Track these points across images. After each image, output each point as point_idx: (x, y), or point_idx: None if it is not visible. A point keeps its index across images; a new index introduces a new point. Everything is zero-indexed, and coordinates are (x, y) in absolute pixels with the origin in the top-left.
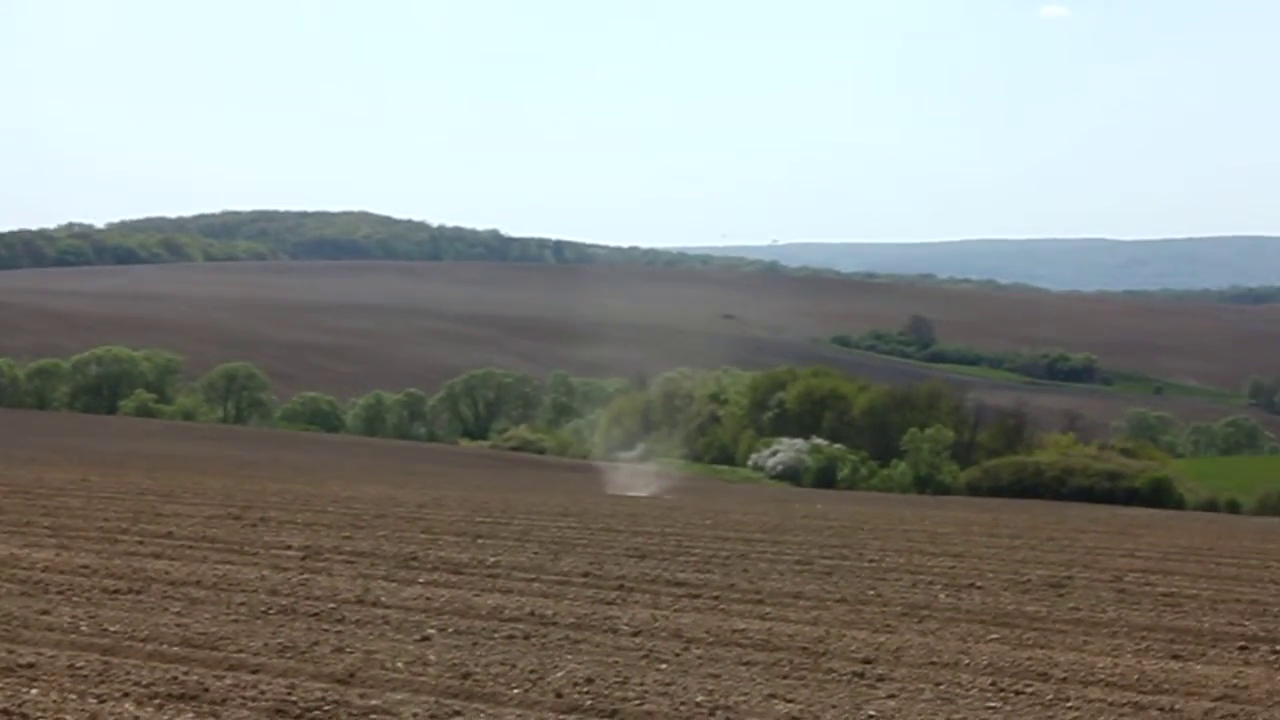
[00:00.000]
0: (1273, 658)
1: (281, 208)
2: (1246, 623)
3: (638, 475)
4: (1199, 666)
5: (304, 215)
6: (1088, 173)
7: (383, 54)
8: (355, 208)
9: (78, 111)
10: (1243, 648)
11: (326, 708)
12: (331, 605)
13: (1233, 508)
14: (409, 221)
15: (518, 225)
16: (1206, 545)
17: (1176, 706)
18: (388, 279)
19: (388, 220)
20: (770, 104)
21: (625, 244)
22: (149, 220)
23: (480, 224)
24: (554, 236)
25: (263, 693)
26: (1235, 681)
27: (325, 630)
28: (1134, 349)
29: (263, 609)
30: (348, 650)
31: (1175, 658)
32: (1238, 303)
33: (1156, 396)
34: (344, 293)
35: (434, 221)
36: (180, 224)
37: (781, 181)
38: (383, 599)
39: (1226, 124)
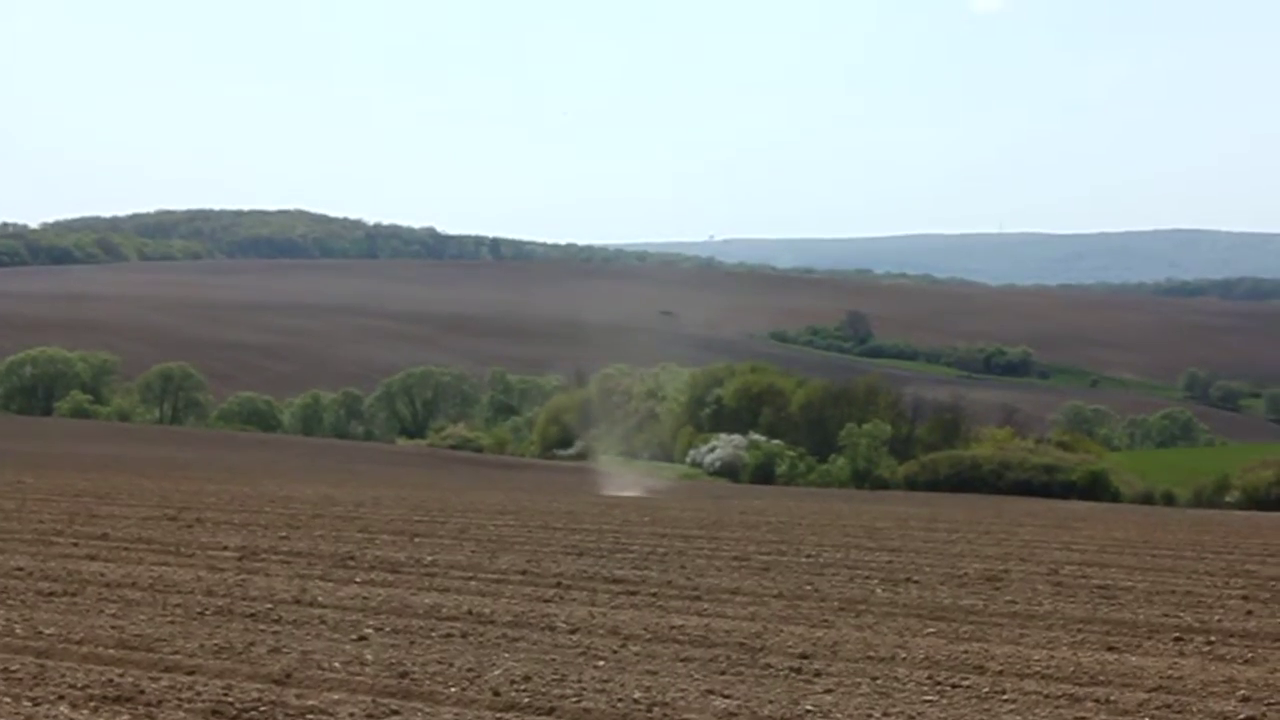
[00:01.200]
0: (1207, 649)
1: (217, 206)
2: (1181, 614)
3: (628, 477)
4: (1134, 658)
5: (239, 214)
6: (1023, 168)
7: (318, 51)
8: (291, 206)
9: (8, 110)
10: (1178, 639)
11: (263, 708)
12: (268, 606)
13: (1168, 500)
14: (345, 220)
15: (454, 223)
16: (1142, 538)
17: (1112, 698)
18: (324, 278)
19: (323, 219)
20: (706, 101)
21: (562, 240)
22: (83, 220)
23: (416, 222)
24: (490, 234)
25: (199, 694)
26: (1170, 673)
27: (262, 631)
28: (1070, 342)
29: (199, 610)
30: (284, 650)
31: (1111, 650)
32: (1173, 296)
33: (1093, 390)
34: (280, 292)
35: (370, 219)
36: (115, 223)
37: (718, 178)
38: (319, 599)
39: (1161, 120)
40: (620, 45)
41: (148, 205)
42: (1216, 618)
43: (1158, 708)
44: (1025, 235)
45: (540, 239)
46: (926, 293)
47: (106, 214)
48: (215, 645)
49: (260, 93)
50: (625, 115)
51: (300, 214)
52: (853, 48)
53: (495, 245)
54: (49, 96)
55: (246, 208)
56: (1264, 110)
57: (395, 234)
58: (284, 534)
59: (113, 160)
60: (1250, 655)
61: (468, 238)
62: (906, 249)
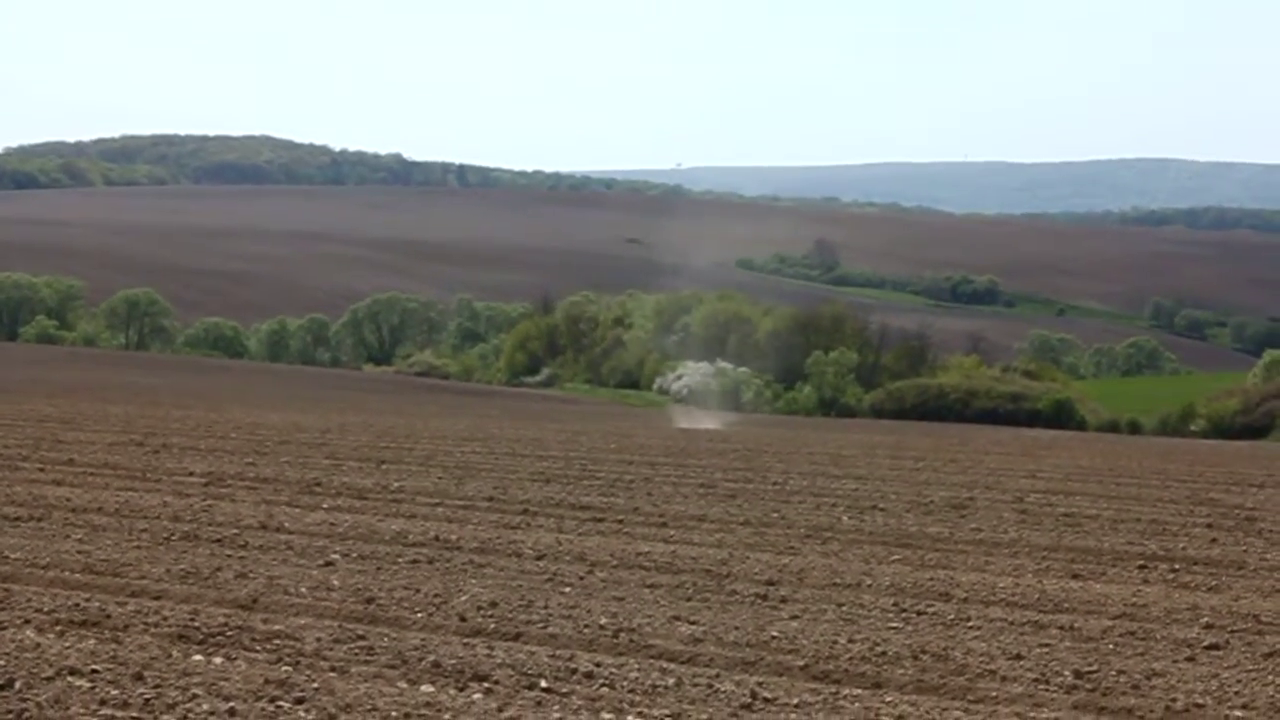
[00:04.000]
0: (1171, 576)
1: (182, 131)
2: (1146, 542)
3: (704, 412)
4: (1099, 585)
5: (205, 139)
6: (988, 96)
7: None
8: (257, 131)
9: None
10: (1142, 566)
11: (229, 633)
12: (234, 531)
13: (1134, 429)
14: (311, 145)
15: (420, 149)
16: (1107, 466)
17: (1076, 625)
18: (290, 203)
19: (289, 144)
20: (672, 28)
21: (529, 167)
22: (48, 145)
23: (383, 148)
24: (457, 160)
25: (165, 618)
26: (1134, 600)
27: (228, 556)
28: (1036, 271)
29: (165, 535)
30: (251, 576)
31: (1075, 577)
32: (1139, 224)
33: (1059, 319)
34: (246, 218)
35: (336, 145)
36: (80, 148)
37: (685, 106)
38: (286, 525)
39: (1127, 46)
40: None
41: (112, 130)
42: (1181, 545)
43: (1122, 635)
44: (991, 164)
45: (507, 166)
46: (893, 221)
47: (71, 139)
48: (181, 570)
49: (226, 18)
50: (592, 44)
51: (266, 140)
52: None
53: (462, 172)
54: (12, 21)
55: (212, 133)
56: (1230, 39)
57: (361, 160)
58: (250, 460)
59: (77, 85)
60: (1214, 583)
61: (434, 164)
62: (872, 178)
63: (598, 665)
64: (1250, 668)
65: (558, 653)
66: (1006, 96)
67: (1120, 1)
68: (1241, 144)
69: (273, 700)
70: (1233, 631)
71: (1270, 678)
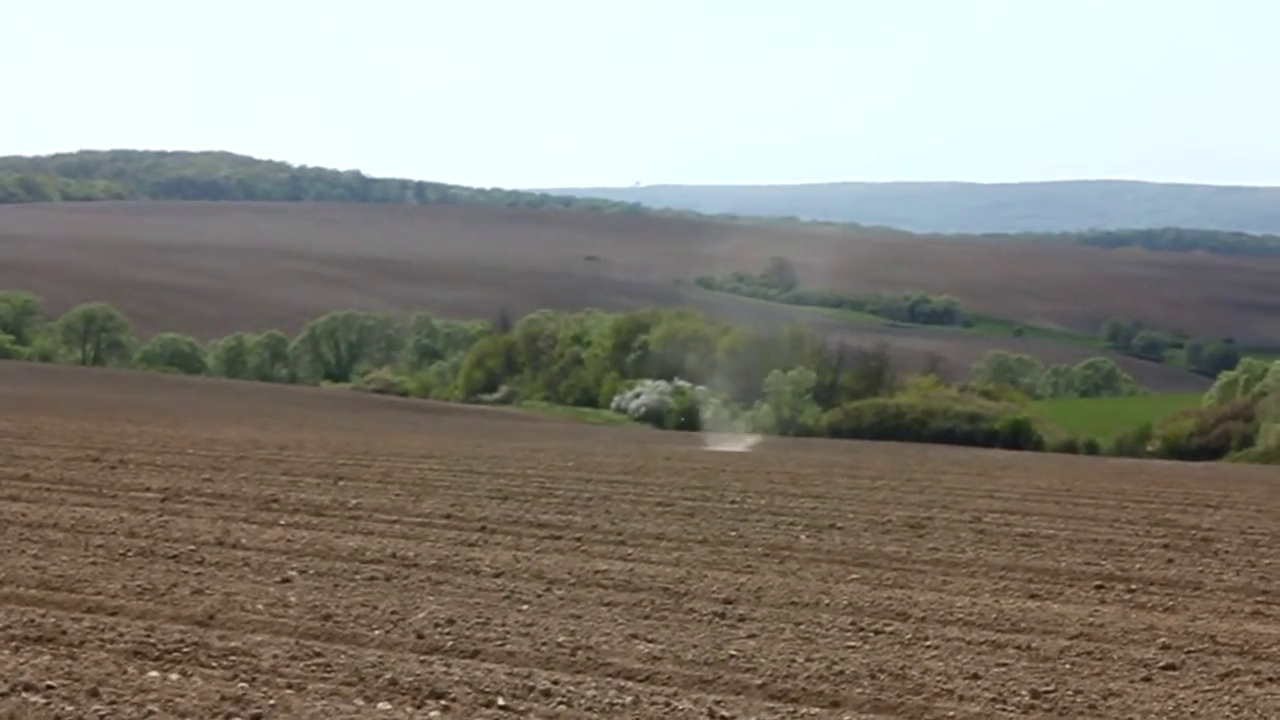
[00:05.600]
0: (1127, 596)
1: (140, 147)
2: (1102, 562)
3: (730, 435)
4: (1055, 605)
5: (163, 155)
6: (948, 117)
7: None
8: (215, 147)
9: None
10: (1098, 587)
11: (185, 649)
12: (191, 547)
13: (1091, 449)
14: (269, 162)
15: (379, 166)
16: (1064, 486)
17: (1033, 645)
18: (248, 219)
19: (248, 160)
20: (631, 45)
21: (488, 185)
22: (5, 159)
23: (342, 164)
24: (416, 177)
25: (121, 634)
26: (1091, 620)
27: (184, 572)
28: (994, 292)
29: (121, 551)
30: (207, 592)
31: (1032, 597)
32: (1097, 246)
33: (1017, 339)
34: (204, 233)
35: (295, 162)
36: (37, 163)
37: (644, 124)
38: (243, 541)
39: (1085, 69)
40: None
41: (70, 145)
42: (1137, 566)
43: (1078, 655)
44: (950, 184)
45: (465, 183)
46: (852, 240)
47: (29, 154)
48: (138, 586)
49: (184, 34)
50: (550, 61)
51: (224, 155)
52: None
53: (420, 189)
54: None
55: (170, 149)
56: (1187, 64)
57: (320, 176)
58: (207, 476)
59: (35, 100)
60: (1170, 603)
61: (393, 181)
62: (831, 197)
63: (555, 683)
64: (1206, 688)
65: (515, 670)
66: (966, 118)
67: (1078, 27)
68: (1198, 166)
69: (229, 717)
70: (1189, 652)
71: (1226, 698)
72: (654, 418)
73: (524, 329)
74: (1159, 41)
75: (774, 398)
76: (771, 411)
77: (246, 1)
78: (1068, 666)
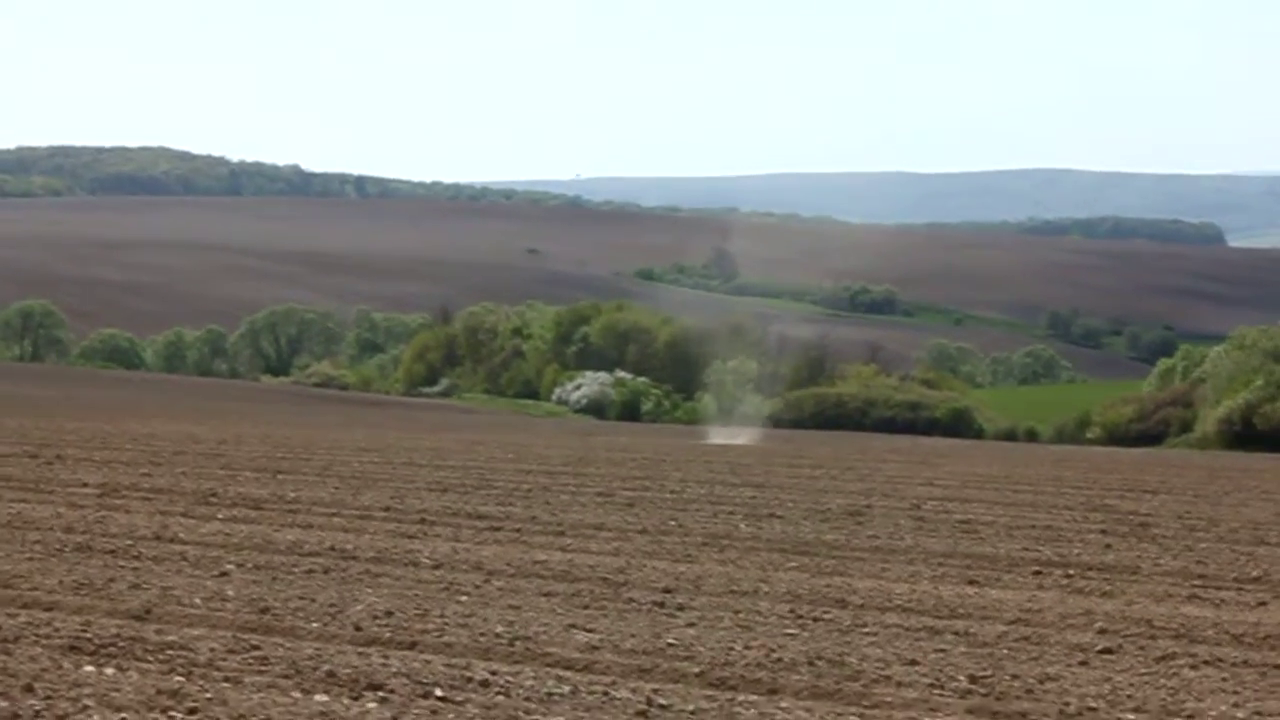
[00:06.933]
0: (1065, 582)
1: (78, 142)
2: (1041, 548)
3: (734, 429)
4: (994, 591)
5: (101, 150)
6: (887, 106)
7: None
8: (154, 143)
9: None
10: (1037, 572)
11: (122, 644)
12: (128, 542)
13: (1031, 437)
14: (208, 157)
15: (319, 160)
16: (1003, 473)
17: (971, 630)
18: (188, 215)
19: (186, 155)
20: (570, 36)
21: (428, 179)
22: None
23: (281, 159)
24: (356, 171)
25: (57, 630)
26: (1029, 605)
27: (121, 567)
28: (935, 281)
29: (58, 547)
30: (144, 586)
31: (971, 583)
32: (1036, 234)
33: (957, 328)
34: (143, 229)
35: (234, 157)
36: None
37: (584, 116)
38: (181, 535)
39: (1022, 58)
40: None
41: (7, 141)
42: (1075, 551)
43: (1016, 640)
44: (890, 174)
45: (406, 177)
46: (792, 231)
47: None
48: (74, 581)
49: (122, 28)
50: (489, 51)
51: (163, 151)
52: None
53: (360, 183)
54: None
55: (109, 144)
56: (1123, 51)
57: (259, 171)
58: (145, 471)
59: None
60: (1108, 588)
61: (333, 175)
62: (772, 187)
63: (493, 673)
64: (1143, 671)
65: (453, 661)
66: (905, 108)
67: (1015, 17)
68: (1136, 155)
69: (165, 711)
70: (1126, 636)
71: (1162, 681)
72: (595, 409)
73: (465, 322)
74: (1097, 32)
75: (715, 388)
76: (713, 401)
77: None
78: (1005, 651)
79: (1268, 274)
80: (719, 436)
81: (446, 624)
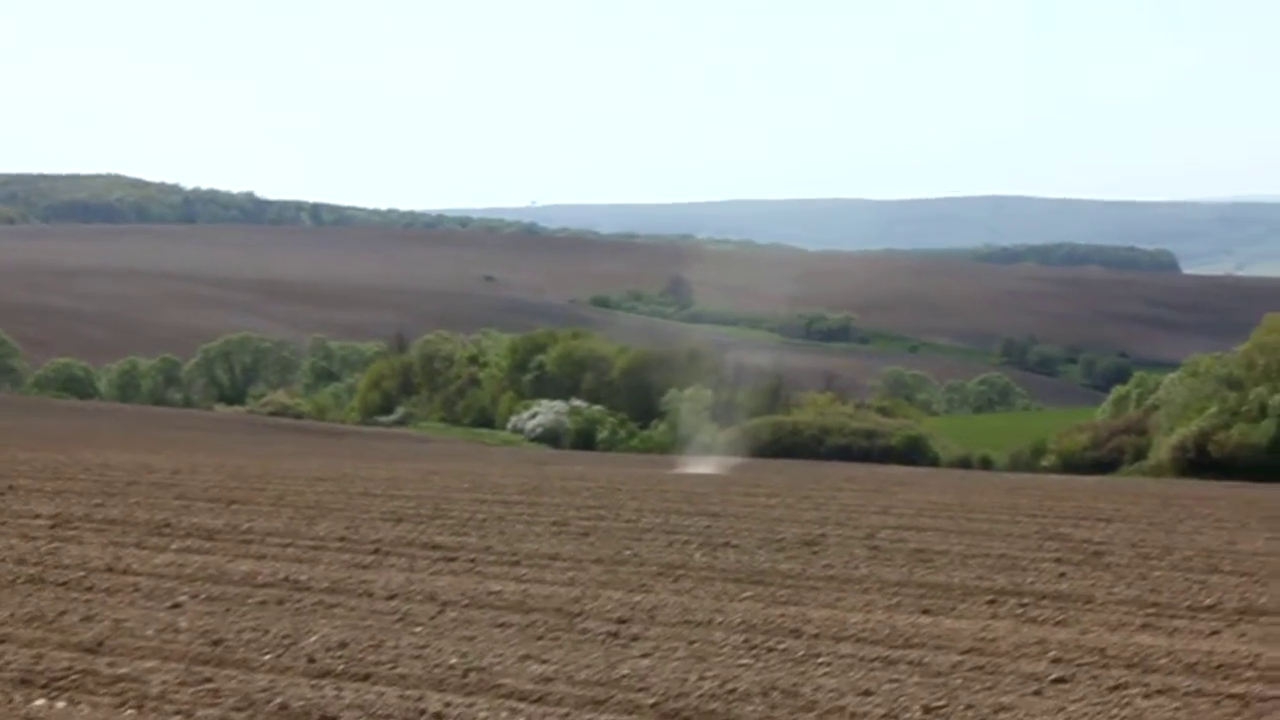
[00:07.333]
0: (1019, 611)
1: (32, 170)
2: (995, 576)
3: (704, 456)
4: (949, 620)
5: (55, 178)
6: (843, 134)
7: (134, 14)
8: (107, 170)
9: None
10: (991, 601)
11: (73, 677)
12: (81, 574)
13: (986, 464)
14: (162, 184)
15: (273, 188)
16: (959, 502)
17: (925, 660)
18: (142, 243)
19: (140, 183)
20: (524, 64)
21: (384, 206)
22: None
23: (235, 186)
24: (310, 199)
25: (8, 663)
26: (983, 634)
27: (74, 599)
28: (890, 308)
29: (10, 578)
30: (96, 619)
31: (926, 612)
32: (991, 262)
33: (912, 355)
34: (97, 257)
35: (188, 184)
36: None
37: (539, 143)
38: (134, 567)
39: (977, 86)
40: (437, 11)
41: None
42: (1030, 580)
43: (970, 669)
44: (846, 201)
45: (361, 204)
46: (748, 258)
47: None
48: (26, 614)
49: (77, 56)
50: (443, 80)
51: (116, 178)
52: (657, 11)
53: (315, 210)
54: None
55: (63, 172)
56: (1076, 78)
57: (214, 199)
58: (98, 501)
59: None
60: (1062, 617)
61: (288, 203)
62: (728, 215)
63: (447, 705)
64: (1096, 700)
65: (407, 693)
66: (861, 136)
67: (971, 46)
68: (1090, 182)
69: None
70: (1080, 665)
71: (1115, 710)
72: (550, 438)
73: (420, 350)
74: (1051, 59)
75: (671, 416)
76: (668, 430)
77: (134, 23)
78: (959, 681)
79: (1221, 301)
80: (691, 465)
81: (400, 655)
